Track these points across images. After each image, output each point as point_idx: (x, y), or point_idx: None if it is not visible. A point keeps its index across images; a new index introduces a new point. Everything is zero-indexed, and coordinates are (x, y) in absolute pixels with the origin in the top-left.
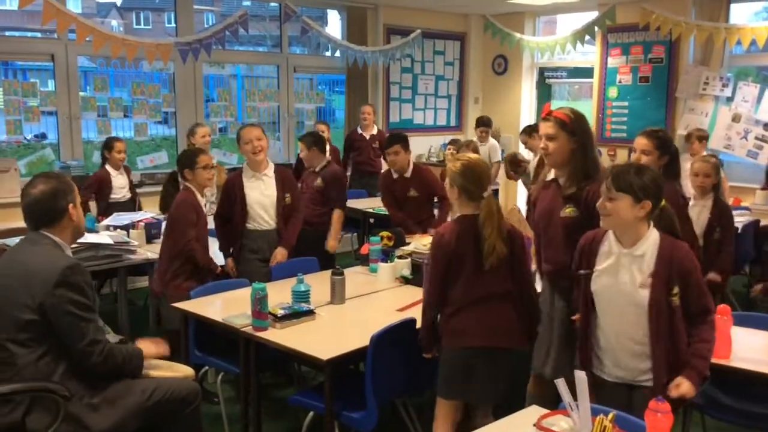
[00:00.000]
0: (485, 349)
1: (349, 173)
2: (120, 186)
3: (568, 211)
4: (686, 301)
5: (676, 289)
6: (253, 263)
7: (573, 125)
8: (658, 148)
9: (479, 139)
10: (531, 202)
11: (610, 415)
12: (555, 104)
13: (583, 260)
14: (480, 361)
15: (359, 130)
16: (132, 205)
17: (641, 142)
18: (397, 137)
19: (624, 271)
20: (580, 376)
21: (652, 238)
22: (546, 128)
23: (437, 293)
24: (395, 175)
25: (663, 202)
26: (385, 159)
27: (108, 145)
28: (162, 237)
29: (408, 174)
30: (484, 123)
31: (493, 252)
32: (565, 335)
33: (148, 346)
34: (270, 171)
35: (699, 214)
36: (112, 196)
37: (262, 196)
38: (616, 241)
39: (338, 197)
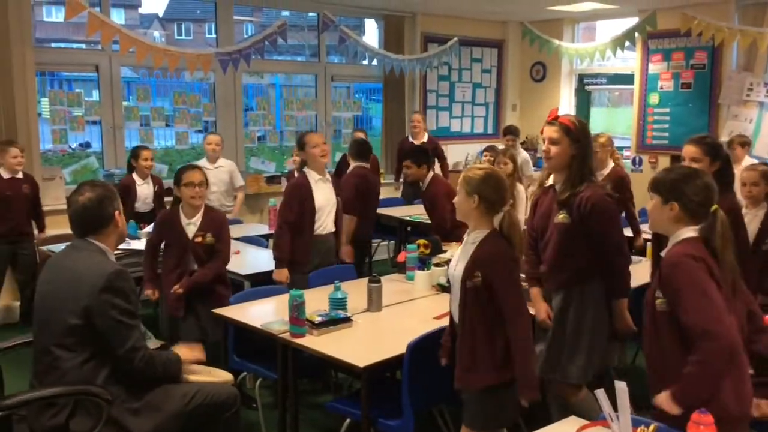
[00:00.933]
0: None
1: (401, 180)
2: (144, 195)
3: (561, 217)
4: (675, 312)
5: (658, 293)
6: (305, 268)
7: (577, 132)
8: (708, 154)
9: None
10: (531, 206)
11: (652, 427)
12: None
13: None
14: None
15: (410, 138)
16: (155, 216)
17: (690, 149)
18: (408, 153)
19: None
20: (621, 386)
21: (677, 239)
22: (550, 132)
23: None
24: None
25: (714, 208)
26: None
27: (135, 153)
28: None
29: (423, 186)
30: (510, 132)
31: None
32: (553, 334)
33: (185, 352)
34: (329, 175)
35: (749, 224)
36: (135, 205)
37: (327, 199)
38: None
39: (343, 201)
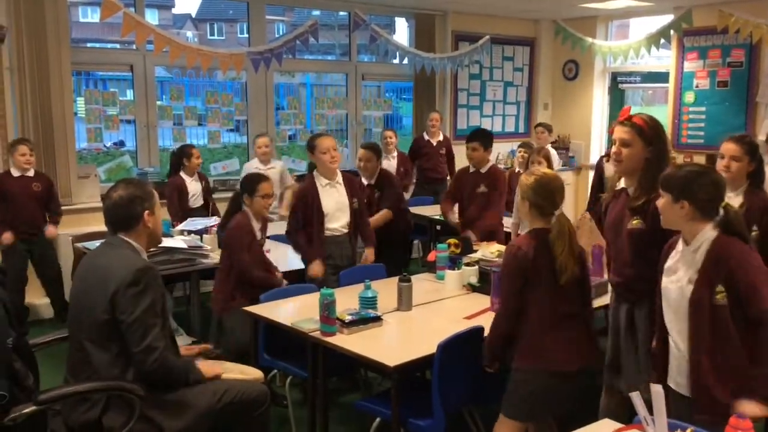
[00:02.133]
0: (571, 373)
1: (414, 179)
2: (194, 192)
3: (634, 222)
4: (737, 305)
5: (720, 287)
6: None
7: (650, 133)
8: (749, 153)
9: (538, 140)
10: (602, 211)
11: (688, 430)
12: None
13: (662, 261)
14: (563, 385)
15: (425, 137)
16: (205, 211)
17: (730, 147)
18: (476, 133)
19: (682, 268)
20: (657, 389)
21: (707, 235)
22: (622, 133)
23: (515, 307)
24: (471, 170)
25: (725, 203)
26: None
27: (185, 152)
28: (219, 258)
29: (483, 170)
30: (542, 125)
31: (566, 270)
32: (630, 347)
33: (207, 367)
34: (340, 178)
35: None
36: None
37: (336, 203)
38: (682, 240)
39: (388, 197)
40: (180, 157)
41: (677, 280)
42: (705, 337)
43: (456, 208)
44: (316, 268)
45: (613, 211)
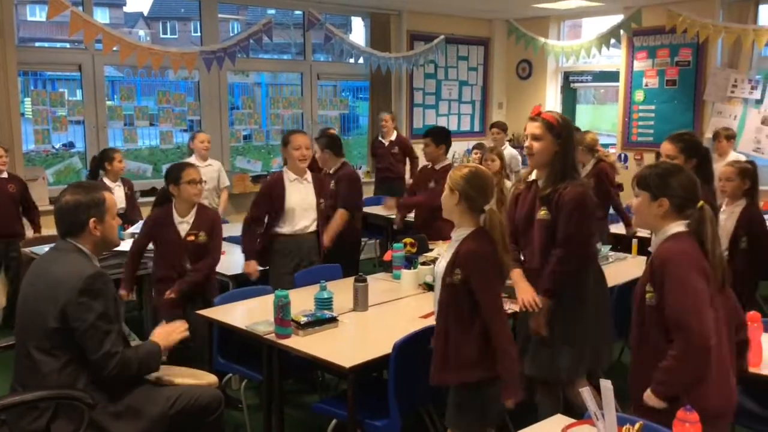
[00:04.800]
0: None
1: (373, 179)
2: (118, 197)
3: (542, 213)
4: (662, 304)
5: (649, 287)
6: (284, 268)
7: (560, 128)
8: (683, 151)
9: (494, 141)
10: (512, 202)
11: (637, 425)
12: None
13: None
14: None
15: (380, 138)
16: (124, 218)
17: (666, 147)
18: (429, 131)
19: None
20: (606, 384)
21: (666, 234)
22: (533, 128)
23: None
24: (429, 165)
25: (701, 204)
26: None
27: (107, 155)
28: None
29: (438, 167)
30: (497, 125)
31: (506, 268)
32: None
33: (163, 336)
34: (309, 176)
35: (725, 221)
36: None
37: (302, 200)
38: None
39: (346, 196)
40: (101, 161)
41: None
42: (638, 337)
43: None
44: (251, 268)
45: (524, 202)
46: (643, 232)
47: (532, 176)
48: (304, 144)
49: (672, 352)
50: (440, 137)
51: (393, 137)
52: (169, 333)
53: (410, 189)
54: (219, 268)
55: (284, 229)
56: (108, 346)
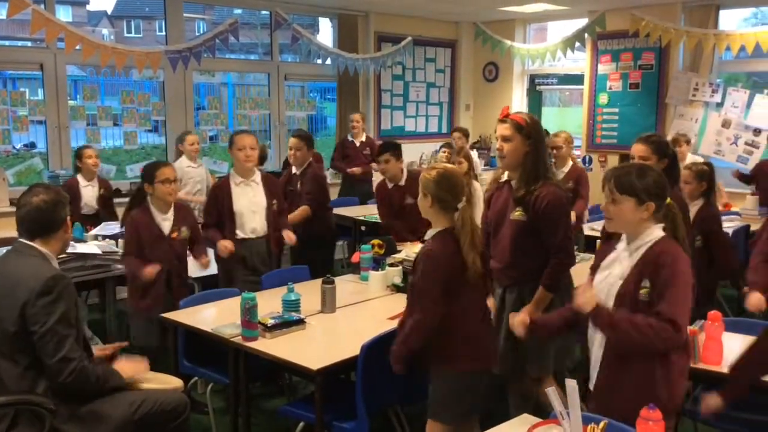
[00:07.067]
0: (487, 373)
1: (340, 181)
2: (88, 197)
3: (517, 214)
4: (653, 300)
5: (646, 283)
6: (240, 273)
7: (529, 129)
8: (656, 152)
9: (456, 145)
10: (485, 202)
11: (602, 424)
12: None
13: (597, 260)
14: (483, 382)
15: (350, 138)
16: (97, 220)
17: (638, 148)
18: (386, 145)
19: (617, 265)
20: (571, 384)
21: (653, 235)
22: (503, 130)
23: (436, 317)
24: (390, 185)
25: (668, 200)
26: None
27: (78, 153)
28: None
29: (402, 182)
30: (460, 129)
31: (471, 265)
32: (509, 332)
33: (126, 366)
34: (258, 178)
35: None
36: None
37: (250, 203)
38: (625, 240)
39: (308, 193)
40: (76, 159)
41: (609, 277)
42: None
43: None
44: (224, 244)
45: (497, 201)
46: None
47: (504, 177)
48: (249, 144)
49: (654, 323)
50: (399, 150)
51: (363, 138)
52: (135, 368)
53: (385, 213)
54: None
55: (237, 233)
56: (64, 351)
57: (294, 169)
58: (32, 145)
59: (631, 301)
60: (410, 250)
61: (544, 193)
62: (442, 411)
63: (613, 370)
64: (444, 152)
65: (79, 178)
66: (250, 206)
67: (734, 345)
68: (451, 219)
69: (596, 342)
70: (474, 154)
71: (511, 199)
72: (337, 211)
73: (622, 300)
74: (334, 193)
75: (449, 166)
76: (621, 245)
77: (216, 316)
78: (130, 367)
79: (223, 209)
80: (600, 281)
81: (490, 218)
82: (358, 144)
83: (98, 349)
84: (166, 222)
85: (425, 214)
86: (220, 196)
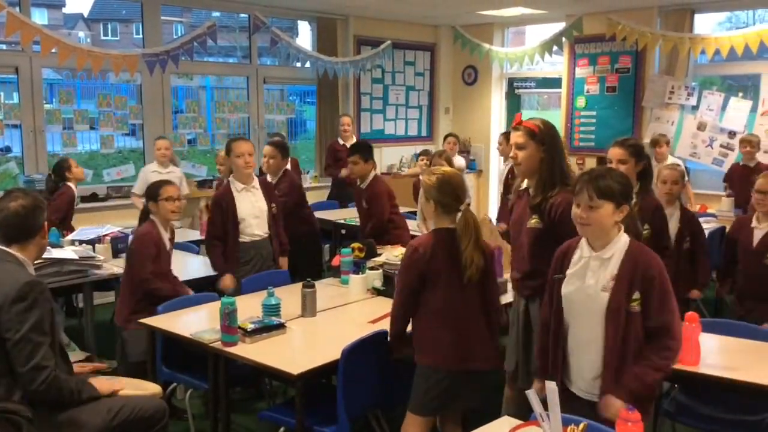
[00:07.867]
0: (462, 372)
1: (329, 184)
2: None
3: (533, 222)
4: (647, 312)
5: (637, 295)
6: (247, 274)
7: (542, 135)
8: (634, 155)
9: (451, 151)
10: (509, 211)
11: (581, 426)
12: (525, 114)
13: (557, 265)
14: (457, 383)
15: (340, 141)
16: (66, 224)
17: (616, 152)
18: (356, 147)
19: (591, 275)
20: (551, 386)
21: (622, 241)
22: (516, 137)
23: (407, 307)
24: (358, 182)
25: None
26: None
27: (67, 166)
28: (123, 270)
29: (364, 185)
30: (453, 135)
31: (471, 265)
32: (528, 342)
33: (103, 384)
34: (256, 183)
35: (670, 223)
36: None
37: (253, 208)
38: (587, 245)
39: (282, 195)
40: (61, 172)
41: (586, 288)
42: (618, 344)
43: None
44: (227, 281)
45: (517, 210)
46: None
47: (524, 185)
48: (247, 150)
49: (655, 361)
50: (369, 152)
51: (354, 141)
52: (110, 386)
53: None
54: None
55: (241, 237)
56: (38, 359)
57: (269, 178)
58: (7, 149)
59: (625, 315)
60: (390, 253)
61: (558, 200)
62: (412, 400)
63: (613, 371)
64: (422, 159)
65: (70, 185)
66: (254, 211)
67: (711, 346)
68: (453, 220)
69: (591, 349)
70: (461, 160)
71: (528, 207)
72: (317, 214)
73: (615, 315)
74: (321, 196)
75: (448, 169)
76: (584, 252)
77: (195, 321)
78: (106, 385)
79: (228, 216)
80: (573, 291)
81: (510, 227)
82: (348, 147)
83: (77, 366)
84: (167, 241)
85: (429, 217)
86: (224, 205)
